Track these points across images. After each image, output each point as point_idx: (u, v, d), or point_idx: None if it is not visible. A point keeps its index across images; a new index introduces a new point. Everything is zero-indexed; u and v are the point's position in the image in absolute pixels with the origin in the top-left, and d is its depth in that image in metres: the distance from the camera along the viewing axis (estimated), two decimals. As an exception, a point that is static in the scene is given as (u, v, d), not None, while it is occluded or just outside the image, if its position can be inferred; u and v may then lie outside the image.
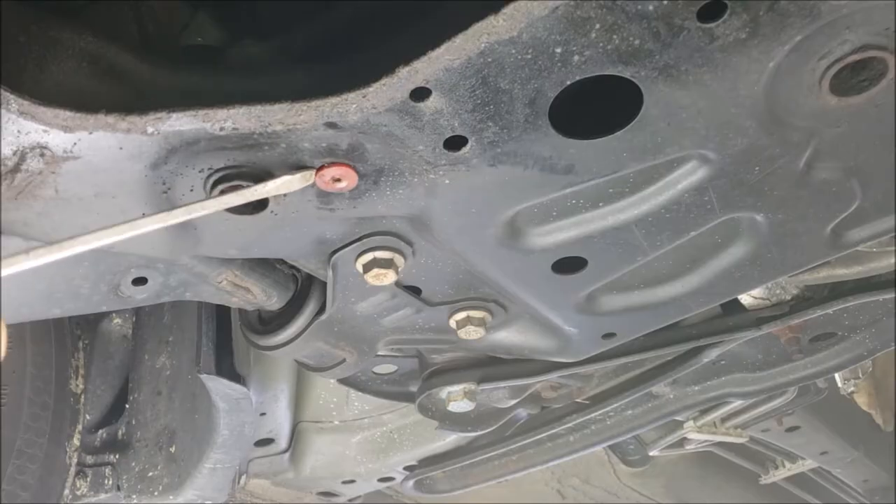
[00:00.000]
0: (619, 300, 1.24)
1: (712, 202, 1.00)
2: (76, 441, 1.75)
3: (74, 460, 1.70)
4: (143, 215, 0.89)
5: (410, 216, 1.00)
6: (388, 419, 2.12)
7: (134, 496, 1.69)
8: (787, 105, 0.86)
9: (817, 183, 0.99)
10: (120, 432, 1.76)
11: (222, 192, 0.87)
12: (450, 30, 0.72)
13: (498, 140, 0.84)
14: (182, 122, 0.78)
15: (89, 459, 1.72)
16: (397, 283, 1.16)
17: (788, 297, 1.46)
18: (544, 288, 1.17)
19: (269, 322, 1.31)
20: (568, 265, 1.11)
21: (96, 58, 0.82)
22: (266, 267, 1.23)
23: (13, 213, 0.85)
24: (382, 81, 0.75)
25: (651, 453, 2.55)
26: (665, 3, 0.71)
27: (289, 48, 0.93)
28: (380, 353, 1.46)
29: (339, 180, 0.87)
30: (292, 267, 1.25)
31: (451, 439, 2.11)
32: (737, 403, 2.09)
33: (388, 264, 1.07)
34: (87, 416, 1.79)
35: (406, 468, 2.18)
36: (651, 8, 0.71)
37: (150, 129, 0.78)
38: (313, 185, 0.86)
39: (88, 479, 1.70)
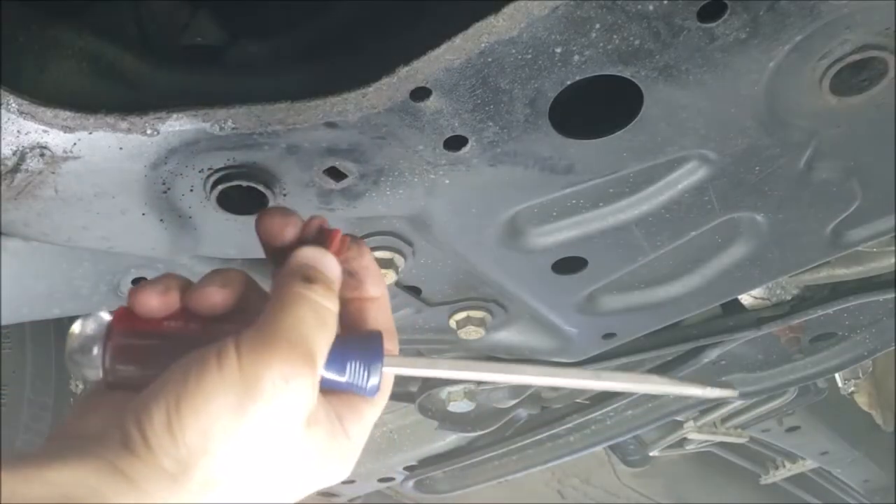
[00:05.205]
0: (619, 300, 1.24)
1: (712, 202, 1.00)
2: (76, 441, 1.74)
3: (74, 461, 1.70)
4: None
5: (410, 216, 1.00)
6: (387, 419, 2.11)
7: (133, 497, 1.69)
8: (788, 105, 0.86)
9: (818, 183, 0.99)
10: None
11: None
12: (450, 30, 0.72)
13: (498, 140, 0.84)
14: (182, 122, 0.78)
15: (89, 460, 1.71)
16: (397, 283, 1.16)
17: (789, 297, 1.46)
18: (544, 288, 1.17)
19: (269, 322, 1.31)
20: (568, 265, 1.11)
21: (96, 58, 0.81)
22: (266, 267, 1.22)
23: (13, 213, 0.85)
24: (382, 81, 0.75)
25: (651, 453, 2.55)
26: (665, 2, 0.71)
27: (289, 48, 0.93)
28: (380, 353, 1.46)
29: None
30: (292, 267, 1.25)
31: (451, 439, 2.10)
32: (737, 403, 2.09)
33: (388, 264, 1.06)
34: (87, 417, 1.78)
35: (406, 468, 2.18)
36: (651, 8, 0.71)
37: (149, 129, 0.78)
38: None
39: (88, 480, 1.69)
